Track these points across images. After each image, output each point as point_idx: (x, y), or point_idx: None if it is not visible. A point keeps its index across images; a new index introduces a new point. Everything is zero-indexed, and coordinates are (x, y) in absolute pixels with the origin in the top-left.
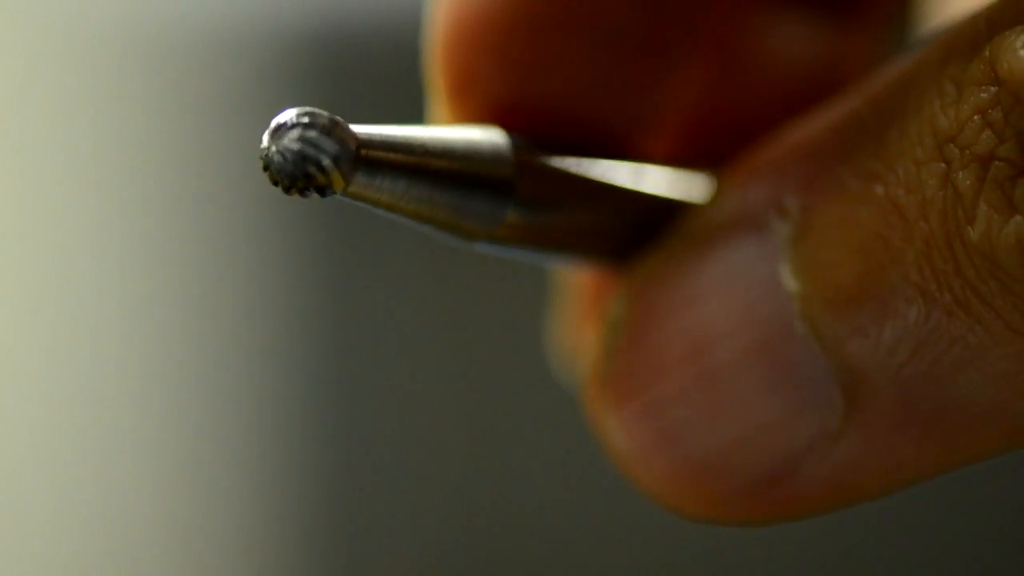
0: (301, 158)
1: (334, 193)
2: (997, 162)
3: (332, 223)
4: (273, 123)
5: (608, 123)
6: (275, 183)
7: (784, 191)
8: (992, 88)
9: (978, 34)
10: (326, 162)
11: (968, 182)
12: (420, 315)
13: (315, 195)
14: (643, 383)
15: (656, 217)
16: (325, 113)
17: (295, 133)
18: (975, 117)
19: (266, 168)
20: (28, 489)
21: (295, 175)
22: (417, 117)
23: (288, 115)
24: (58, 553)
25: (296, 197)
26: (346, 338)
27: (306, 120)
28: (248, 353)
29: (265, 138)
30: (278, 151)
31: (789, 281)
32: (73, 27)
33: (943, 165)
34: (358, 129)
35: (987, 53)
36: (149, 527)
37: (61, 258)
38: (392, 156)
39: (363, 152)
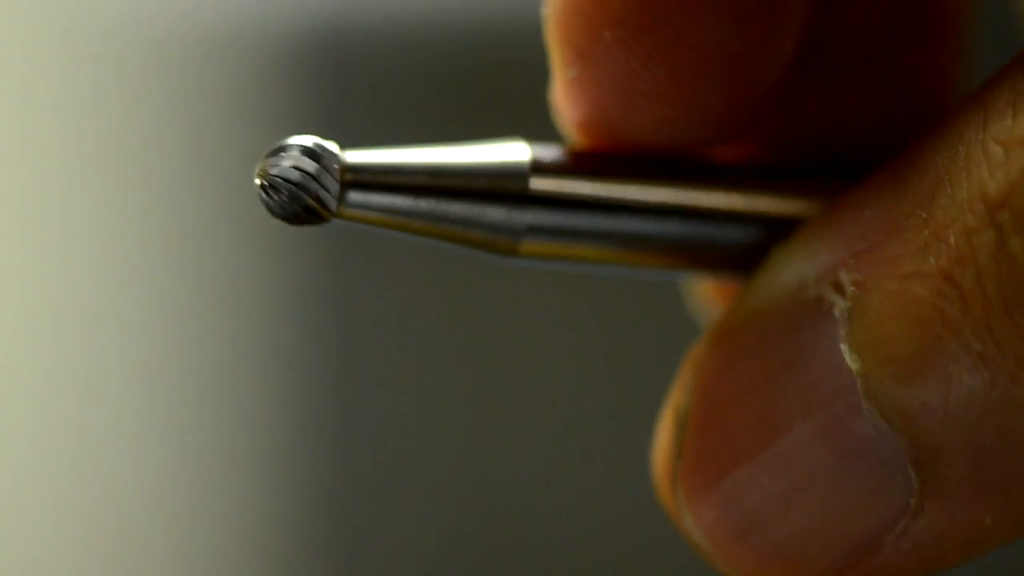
0: (289, 195)
1: (326, 222)
2: None
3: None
4: (259, 162)
5: (710, 108)
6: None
7: (838, 266)
8: None
9: (1017, 90)
10: (311, 197)
11: (1022, 248)
12: (421, 315)
13: (317, 219)
14: (715, 475)
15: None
16: (309, 143)
17: (280, 168)
18: None
19: (266, 194)
20: (28, 489)
21: (286, 211)
22: (416, 116)
23: (275, 149)
24: (58, 553)
25: (304, 225)
26: (347, 338)
27: (290, 153)
28: (249, 353)
29: (255, 176)
30: (267, 189)
31: (851, 359)
32: (74, 27)
33: (995, 232)
34: (349, 155)
35: None
36: (149, 527)
37: (62, 257)
38: (383, 178)
39: (349, 178)
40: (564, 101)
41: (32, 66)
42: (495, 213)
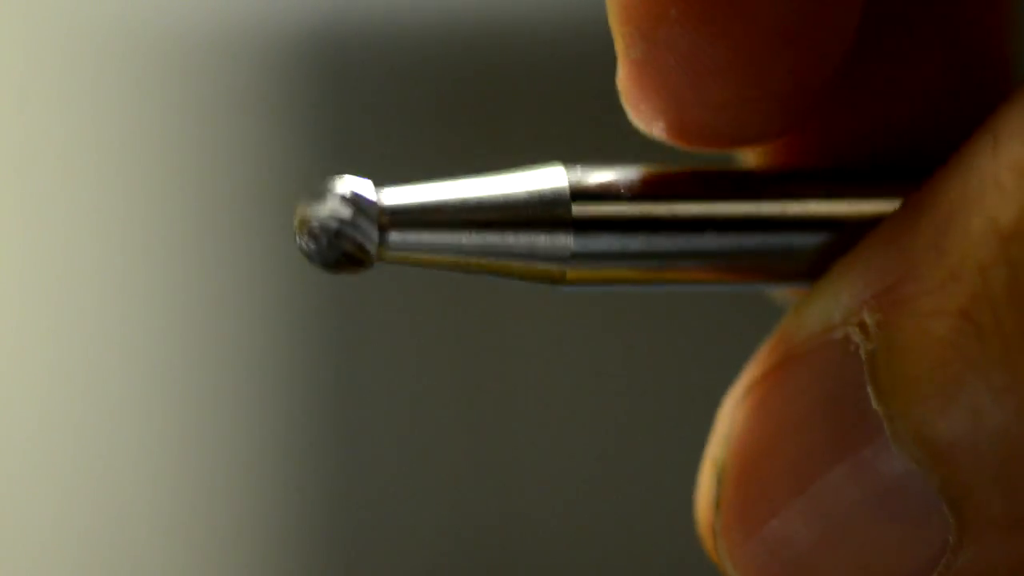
0: (328, 244)
1: (369, 266)
2: None
3: None
4: (297, 209)
5: (762, 102)
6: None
7: (861, 307)
8: None
9: None
10: (351, 244)
11: None
12: (423, 317)
13: (361, 266)
14: (753, 525)
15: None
16: (346, 191)
17: (318, 218)
18: None
19: (307, 248)
20: (28, 489)
21: (326, 260)
22: (416, 117)
23: (311, 195)
24: (58, 553)
25: (349, 273)
26: (348, 339)
27: (327, 201)
28: (249, 354)
29: (294, 224)
30: (306, 238)
31: (876, 402)
32: (74, 27)
33: (1008, 268)
34: (386, 196)
35: None
36: (148, 527)
37: (61, 257)
38: (422, 217)
39: (387, 220)
40: (629, 85)
41: (31, 66)
42: (539, 242)
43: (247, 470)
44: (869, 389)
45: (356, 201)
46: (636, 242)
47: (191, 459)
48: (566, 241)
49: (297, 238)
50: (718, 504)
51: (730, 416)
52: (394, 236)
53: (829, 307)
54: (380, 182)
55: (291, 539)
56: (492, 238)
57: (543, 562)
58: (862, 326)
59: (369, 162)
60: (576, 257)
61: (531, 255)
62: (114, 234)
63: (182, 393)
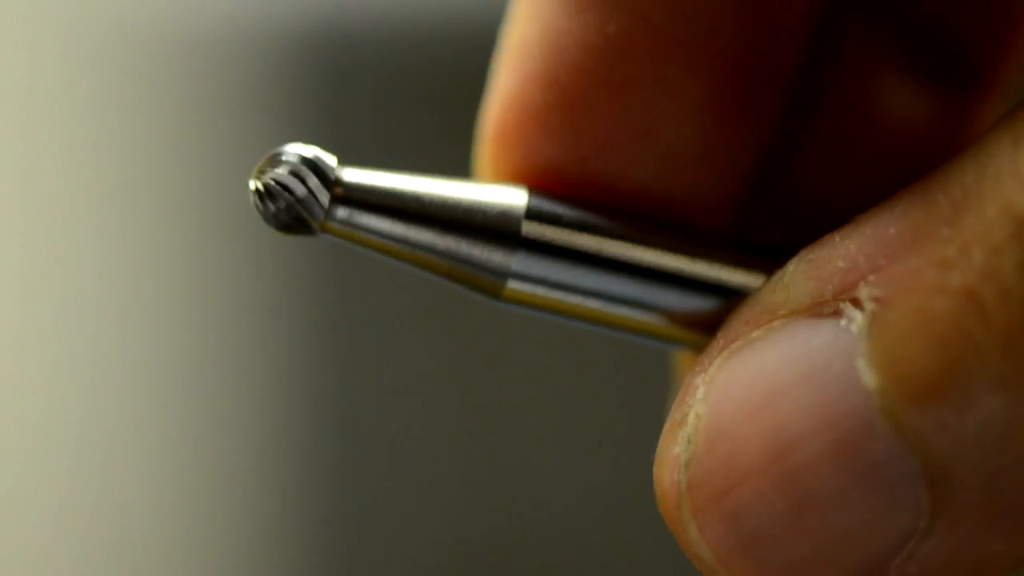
0: (283, 204)
1: (313, 234)
2: None
3: None
4: (257, 165)
5: (670, 192)
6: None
7: (857, 280)
8: None
9: None
10: (302, 208)
11: None
12: (421, 317)
13: (303, 231)
14: (723, 488)
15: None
16: (308, 153)
17: (276, 175)
18: None
19: (257, 200)
20: (28, 489)
21: (277, 220)
22: (415, 117)
23: (274, 155)
24: (58, 553)
25: (291, 235)
26: (347, 339)
27: (288, 161)
28: (249, 353)
29: (252, 179)
30: (261, 195)
31: (867, 376)
32: (74, 27)
33: (1021, 250)
34: (347, 172)
35: None
36: (148, 527)
37: (61, 257)
38: (373, 198)
39: (340, 193)
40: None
41: (31, 66)
42: (481, 252)
43: (247, 470)
44: (859, 363)
45: (315, 168)
46: (580, 275)
47: (191, 459)
48: (508, 257)
49: (253, 193)
50: (687, 463)
51: (708, 377)
52: (341, 212)
53: (822, 281)
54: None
55: (291, 539)
56: (437, 237)
57: (543, 562)
58: (855, 302)
59: (368, 161)
60: (515, 276)
61: (471, 262)
62: (114, 233)
63: (182, 393)
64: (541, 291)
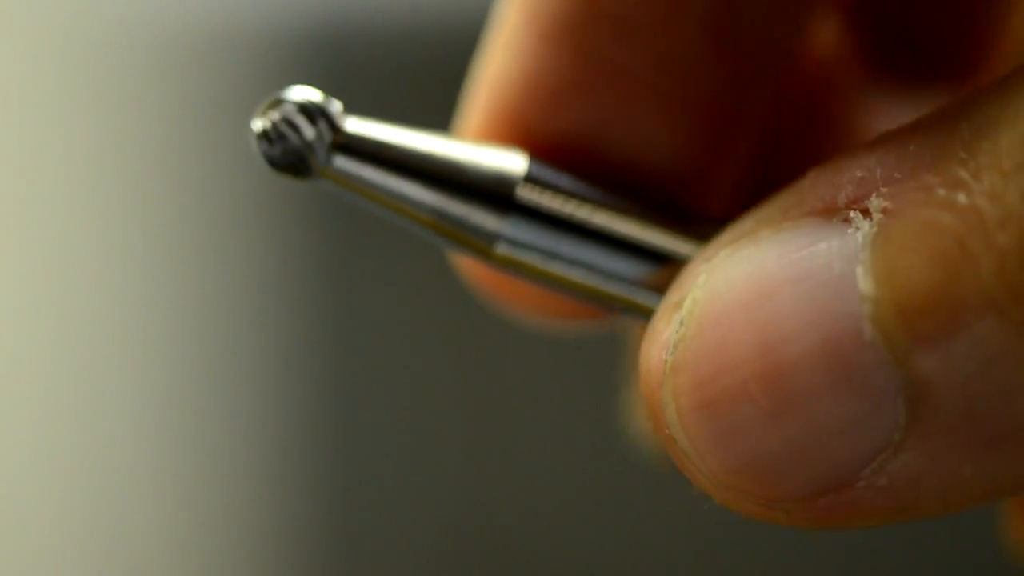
0: (284, 144)
1: (310, 178)
2: None
3: (334, 223)
4: (263, 104)
5: (662, 174)
6: (266, 158)
7: (871, 191)
8: None
9: None
10: (303, 149)
11: None
12: (423, 314)
13: (302, 174)
14: (707, 375)
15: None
16: (315, 98)
17: (282, 114)
18: None
19: (259, 139)
20: (28, 489)
21: (276, 159)
22: (416, 116)
23: (280, 97)
24: (58, 553)
25: (288, 177)
26: (348, 337)
27: (294, 103)
28: (249, 352)
29: (255, 116)
30: (264, 133)
31: (864, 283)
32: (74, 27)
33: None
34: (349, 121)
35: None
36: (148, 527)
37: (62, 257)
38: (372, 149)
39: (340, 140)
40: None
41: (31, 66)
42: (474, 213)
43: (247, 469)
44: (859, 269)
45: (321, 112)
46: (568, 242)
47: (191, 459)
48: (501, 221)
49: (256, 131)
50: (676, 344)
51: (711, 264)
52: (339, 160)
53: (835, 188)
54: None
55: (291, 539)
56: (430, 194)
57: (543, 561)
58: (865, 211)
59: None
60: (508, 239)
61: (463, 223)
62: (114, 233)
63: (182, 393)
64: (532, 257)
